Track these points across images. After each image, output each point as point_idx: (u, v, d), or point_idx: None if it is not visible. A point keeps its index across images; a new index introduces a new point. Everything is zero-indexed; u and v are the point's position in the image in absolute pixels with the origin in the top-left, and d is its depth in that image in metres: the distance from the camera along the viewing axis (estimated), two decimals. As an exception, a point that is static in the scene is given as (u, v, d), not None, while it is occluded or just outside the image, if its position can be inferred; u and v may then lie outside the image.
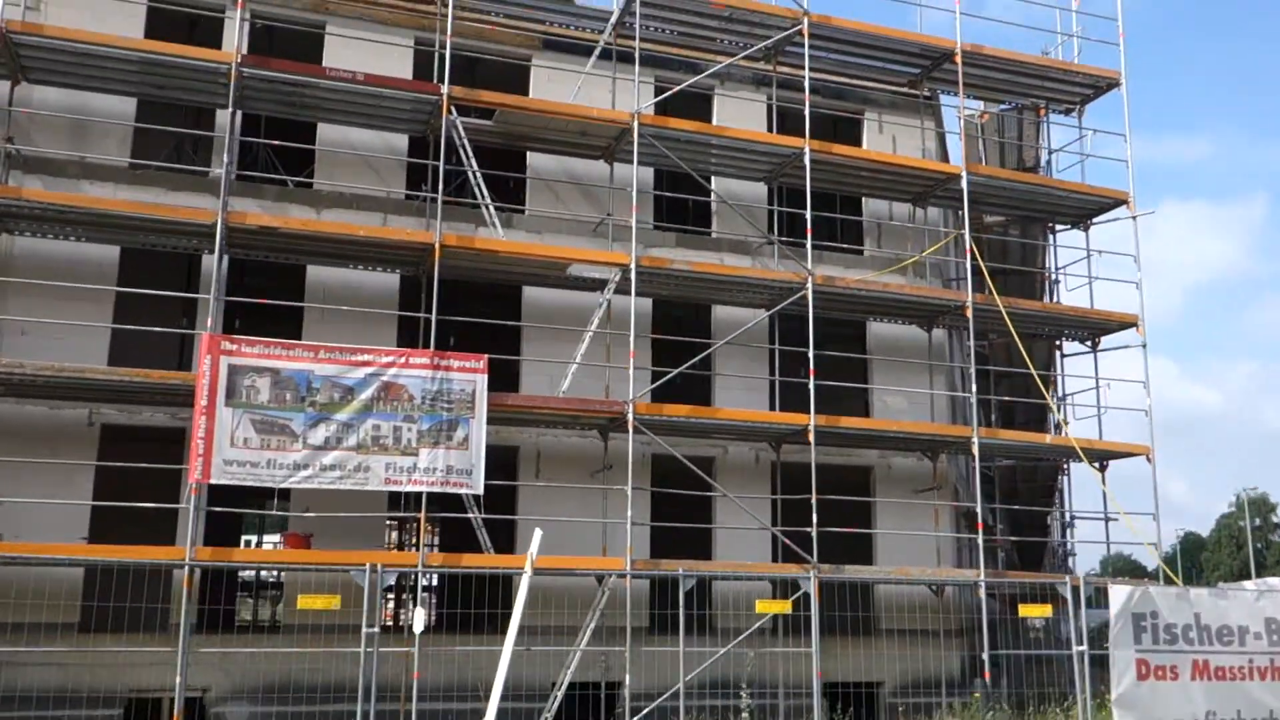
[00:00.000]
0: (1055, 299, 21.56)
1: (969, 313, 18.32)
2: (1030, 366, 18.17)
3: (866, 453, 19.63)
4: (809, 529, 17.14)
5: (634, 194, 16.97)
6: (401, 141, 17.87)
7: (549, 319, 17.89)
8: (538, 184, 18.72)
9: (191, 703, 14.57)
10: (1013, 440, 18.64)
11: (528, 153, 18.69)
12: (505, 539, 17.88)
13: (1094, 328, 20.08)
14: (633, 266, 16.60)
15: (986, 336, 20.87)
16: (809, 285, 17.48)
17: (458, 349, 16.09)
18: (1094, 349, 20.45)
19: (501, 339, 18.34)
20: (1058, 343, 21.12)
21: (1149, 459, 19.17)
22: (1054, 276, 21.29)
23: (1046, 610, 12.27)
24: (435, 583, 19.67)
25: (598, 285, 17.04)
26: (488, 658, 15.45)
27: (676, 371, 16.74)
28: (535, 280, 17.75)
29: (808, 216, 17.73)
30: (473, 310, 17.80)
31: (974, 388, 18.14)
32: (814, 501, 16.87)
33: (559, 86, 18.35)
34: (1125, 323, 19.70)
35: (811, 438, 17.07)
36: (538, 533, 12.43)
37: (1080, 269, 20.56)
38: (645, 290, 17.72)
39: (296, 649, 15.00)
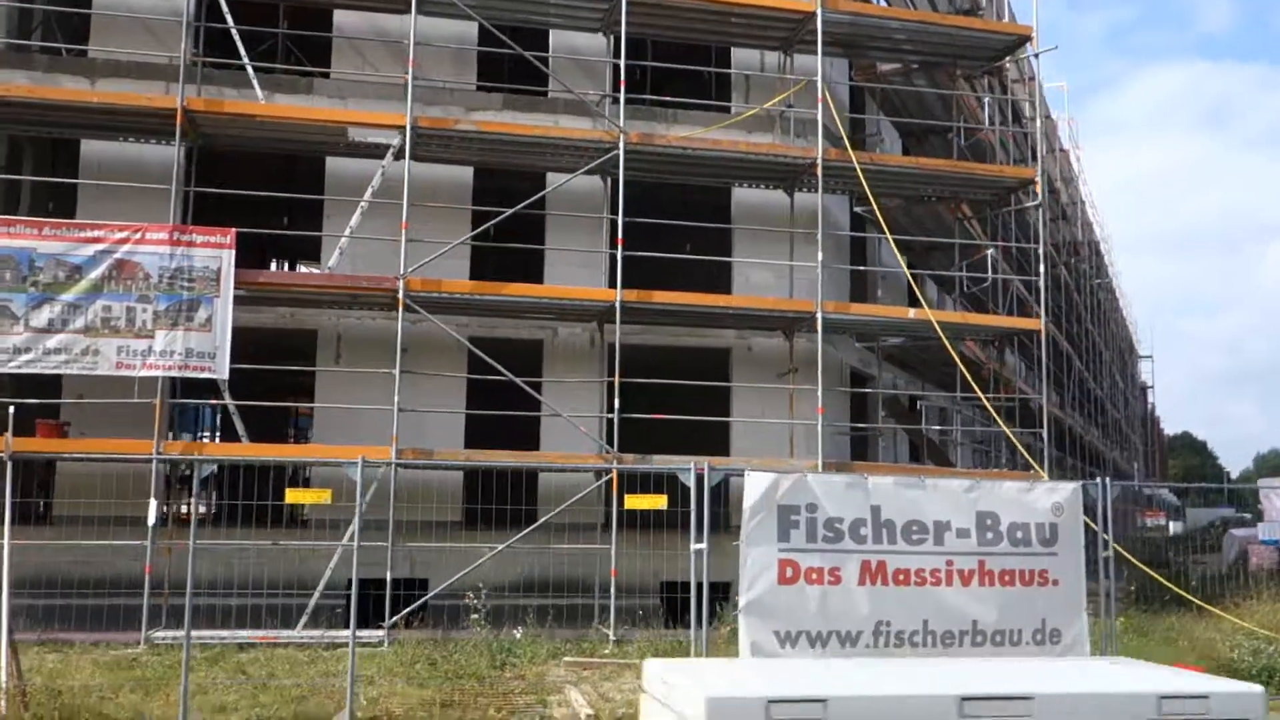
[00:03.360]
0: (967, 156, 19.02)
1: (819, 171, 16.12)
2: (886, 232, 15.91)
3: (724, 333, 17.80)
4: (648, 416, 15.73)
5: (411, 47, 15.27)
6: (182, 2, 16.46)
7: (357, 192, 16.46)
8: (343, 46, 17.13)
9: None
10: (866, 315, 16.50)
11: (334, 11, 17.09)
12: (279, 426, 16.96)
13: (988, 185, 17.56)
14: (408, 128, 14.99)
15: (874, 199, 18.49)
16: (620, 144, 15.56)
17: (251, 227, 14.97)
18: (994, 210, 17.94)
19: (311, 214, 17.12)
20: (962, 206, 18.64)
21: (1041, 335, 16.81)
22: (960, 130, 18.68)
23: (658, 502, 10.50)
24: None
25: (385, 152, 15.50)
26: (258, 553, 14.84)
27: (452, 245, 15.20)
28: (326, 150, 16.32)
29: (620, 66, 15.74)
30: (273, 185, 16.61)
31: (820, 256, 16.05)
32: (616, 384, 15.32)
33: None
34: (1022, 178, 17.14)
35: (617, 315, 15.40)
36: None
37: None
38: (440, 156, 16.18)
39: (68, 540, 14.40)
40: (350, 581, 15.19)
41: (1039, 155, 17.04)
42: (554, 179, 17.16)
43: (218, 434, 23.14)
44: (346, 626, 14.25)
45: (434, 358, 16.06)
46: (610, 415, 15.32)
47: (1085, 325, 40.98)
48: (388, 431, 15.24)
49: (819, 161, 16.13)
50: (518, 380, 15.04)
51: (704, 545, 8.85)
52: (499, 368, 15.18)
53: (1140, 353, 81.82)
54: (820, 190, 16.23)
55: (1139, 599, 17.70)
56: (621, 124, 15.63)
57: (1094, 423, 49.09)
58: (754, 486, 9.06)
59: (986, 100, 19.74)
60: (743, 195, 18.09)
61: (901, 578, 9.37)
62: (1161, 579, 14.66)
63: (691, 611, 8.96)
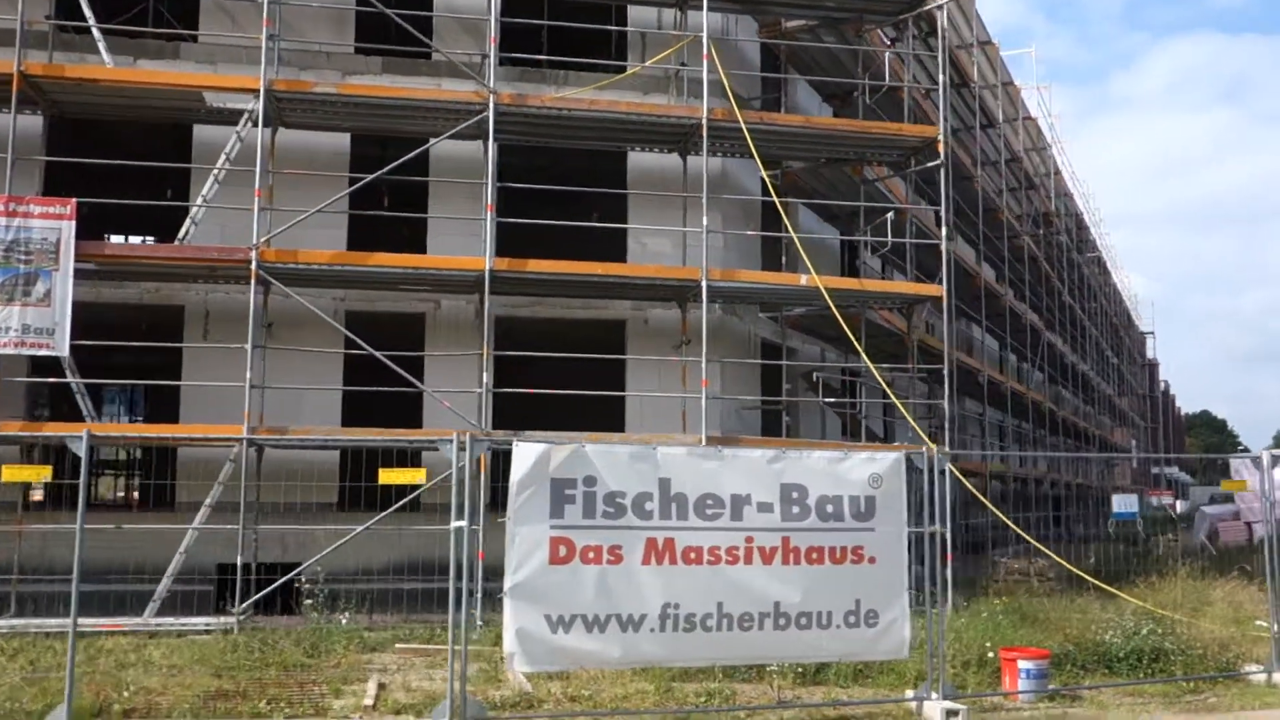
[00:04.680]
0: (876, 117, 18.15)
1: (704, 132, 15.32)
2: (774, 195, 15.10)
3: (619, 305, 17.04)
4: (530, 391, 15.07)
5: (266, 6, 14.52)
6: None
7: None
8: (213, 9, 16.42)
9: None
10: (755, 283, 15.70)
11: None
12: (169, 406, 16.34)
13: (891, 145, 16.71)
14: (262, 92, 14.27)
15: (780, 164, 17.71)
16: (490, 106, 14.80)
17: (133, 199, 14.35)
18: (901, 171, 17.10)
19: (177, 186, 16.46)
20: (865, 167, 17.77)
21: (943, 304, 15.99)
22: (865, 89, 17.79)
23: (416, 476, 9.76)
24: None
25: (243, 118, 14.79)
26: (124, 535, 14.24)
27: (308, 214, 14.47)
28: (191, 117, 15.63)
29: (492, 23, 14.97)
30: (158, 155, 15.98)
31: (704, 220, 15.28)
32: (484, 357, 14.59)
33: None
34: (925, 137, 16.29)
35: (486, 285, 14.68)
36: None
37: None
38: (309, 123, 15.49)
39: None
40: (216, 566, 14.92)
41: (944, 115, 16.09)
42: (438, 145, 16.45)
43: (128, 415, 22.64)
44: (201, 614, 14.03)
45: (310, 332, 15.42)
46: (479, 391, 14.58)
47: (1062, 298, 39.91)
48: (256, 410, 14.65)
49: (704, 122, 15.31)
50: (378, 354, 14.33)
51: (464, 523, 8.12)
52: (359, 341, 14.52)
53: (1142, 328, 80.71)
54: (705, 152, 15.44)
55: (1061, 577, 16.94)
56: (492, 84, 14.87)
57: (1081, 398, 48.08)
58: (522, 458, 8.35)
59: (909, 58, 18.81)
60: (640, 160, 17.31)
61: (693, 556, 8.66)
62: (1057, 557, 13.85)
63: (450, 598, 8.24)
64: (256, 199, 14.18)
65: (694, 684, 9.85)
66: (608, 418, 16.85)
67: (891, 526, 9.18)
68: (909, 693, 9.42)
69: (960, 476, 14.96)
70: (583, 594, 8.38)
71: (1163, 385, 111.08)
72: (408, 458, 13.28)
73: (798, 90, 20.70)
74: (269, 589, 13.70)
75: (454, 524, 8.18)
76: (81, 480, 8.11)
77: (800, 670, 10.05)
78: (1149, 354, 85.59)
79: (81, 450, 8.26)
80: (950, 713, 8.90)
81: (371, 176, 14.72)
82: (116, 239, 22.31)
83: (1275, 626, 10.77)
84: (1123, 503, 13.34)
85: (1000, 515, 13.81)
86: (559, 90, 16.25)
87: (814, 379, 16.44)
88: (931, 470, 9.34)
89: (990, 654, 10.31)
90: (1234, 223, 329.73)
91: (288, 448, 14.82)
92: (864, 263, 22.92)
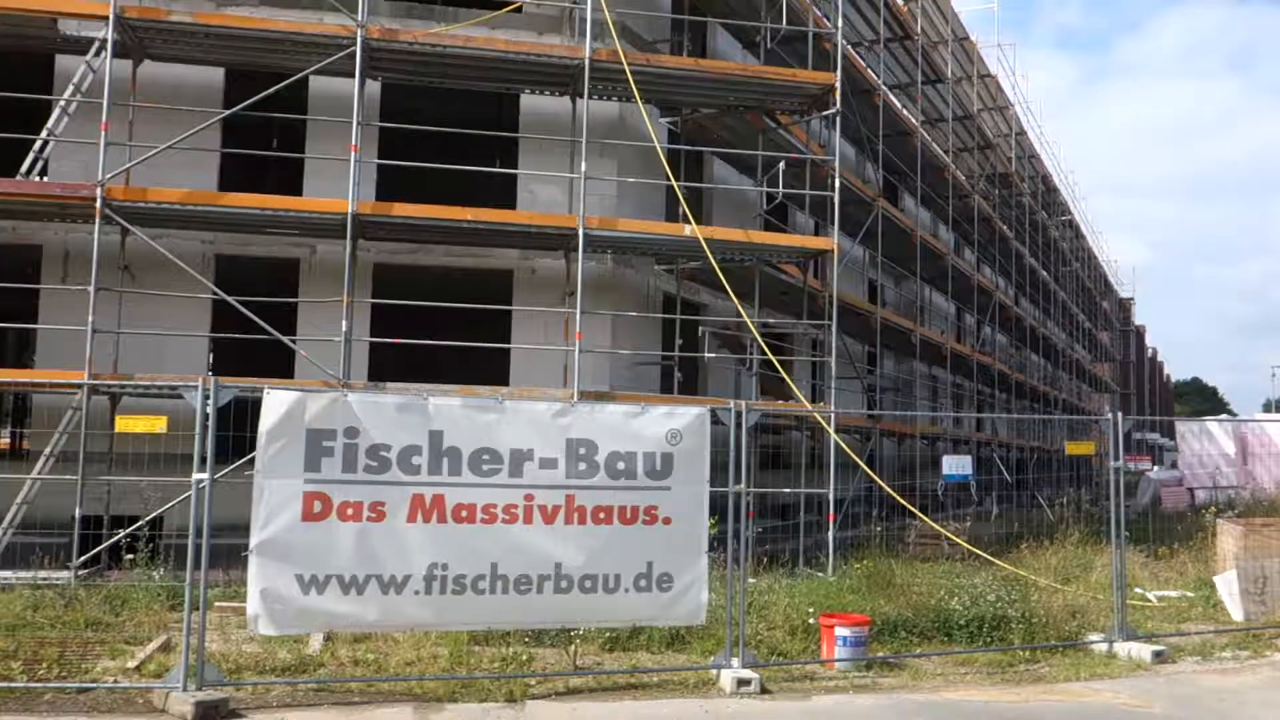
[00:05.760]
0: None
1: (586, 74, 14.64)
2: (654, 140, 14.44)
3: (507, 254, 16.43)
4: (397, 341, 14.54)
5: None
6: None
7: (92, 92, 15.04)
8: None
9: None
10: (635, 232, 15.06)
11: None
12: (24, 348, 15.78)
13: (788, 92, 16.01)
14: (111, 18, 13.56)
15: (678, 110, 17.03)
16: (358, 40, 14.10)
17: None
18: (804, 118, 16.43)
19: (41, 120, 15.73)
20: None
21: (834, 254, 15.39)
22: (766, 32, 17.03)
23: (156, 424, 9.20)
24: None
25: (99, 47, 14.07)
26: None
27: (160, 149, 13.80)
28: (51, 46, 14.91)
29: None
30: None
31: (583, 166, 14.63)
32: (347, 305, 14.03)
33: None
34: (822, 84, 15.59)
35: (349, 229, 14.07)
36: None
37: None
38: (175, 55, 14.83)
39: None
40: (74, 519, 14.39)
41: (838, 60, 15.38)
42: (316, 83, 15.77)
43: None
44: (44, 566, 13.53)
45: (176, 276, 14.79)
46: (338, 339, 14.00)
47: (1024, 261, 39.23)
48: (110, 356, 14.11)
49: (586, 61, 14.62)
50: (232, 299, 13.75)
51: (207, 475, 7.58)
52: (215, 288, 13.92)
53: (1122, 294, 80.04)
54: (586, 94, 14.78)
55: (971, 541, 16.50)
56: (363, 18, 14.14)
57: (1047, 363, 47.55)
58: (273, 407, 7.80)
59: (836, 5, 17.94)
60: (535, 104, 16.60)
61: (465, 514, 8.13)
62: (930, 520, 13.37)
63: (189, 555, 7.72)
64: (103, 133, 13.51)
65: (497, 648, 9.40)
66: (494, 372, 16.30)
67: (690, 486, 8.64)
68: (712, 659, 8.95)
69: (835, 435, 14.48)
70: (340, 553, 7.86)
71: (1150, 352, 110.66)
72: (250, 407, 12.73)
73: (717, 37, 19.96)
74: (107, 544, 13.18)
75: (195, 476, 7.63)
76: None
77: (613, 635, 9.59)
78: (1135, 320, 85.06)
79: None
80: (741, 681, 8.43)
81: (228, 112, 14.10)
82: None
83: (1117, 594, 10.29)
84: (954, 464, 12.73)
85: (874, 476, 13.29)
86: (448, 27, 15.52)
87: (699, 334, 15.87)
88: (740, 427, 8.78)
89: (812, 620, 9.84)
90: (1238, 191, 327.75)
91: (143, 395, 14.26)
92: (792, 217, 22.27)
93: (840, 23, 16.04)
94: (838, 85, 15.54)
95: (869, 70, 21.95)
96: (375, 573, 7.92)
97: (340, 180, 15.58)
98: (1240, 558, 12.01)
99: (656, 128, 17.25)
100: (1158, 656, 9.92)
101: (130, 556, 12.03)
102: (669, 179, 14.30)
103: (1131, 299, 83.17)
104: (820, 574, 14.20)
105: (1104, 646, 10.22)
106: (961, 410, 34.90)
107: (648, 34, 17.47)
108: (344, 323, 13.98)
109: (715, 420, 8.81)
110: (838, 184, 15.95)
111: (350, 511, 7.89)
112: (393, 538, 7.96)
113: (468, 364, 16.37)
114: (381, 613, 7.97)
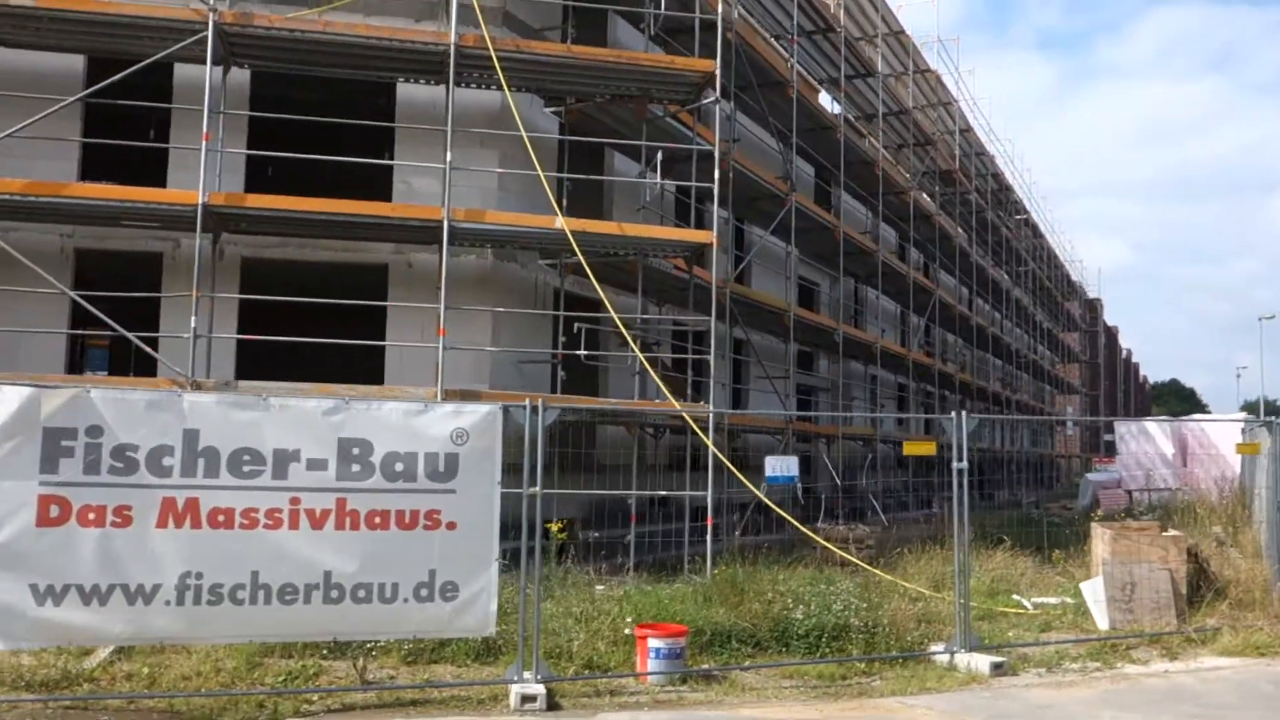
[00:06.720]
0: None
1: (451, 60, 14.10)
2: (520, 128, 13.89)
3: (380, 247, 15.88)
4: (256, 338, 13.96)
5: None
6: None
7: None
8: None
9: None
10: (502, 225, 14.51)
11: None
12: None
13: (668, 81, 15.50)
14: (-57, 1, 12.94)
15: (562, 100, 16.50)
16: (210, 24, 13.52)
17: None
18: (686, 107, 15.94)
19: None
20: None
21: (713, 248, 14.90)
22: (652, 18, 16.52)
23: None
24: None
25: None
26: None
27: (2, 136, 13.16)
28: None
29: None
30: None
31: (449, 156, 14.08)
32: (195, 300, 13.39)
33: None
34: (703, 72, 15.08)
35: (198, 223, 13.43)
36: None
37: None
38: (21, 40, 14.26)
39: None
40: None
41: (719, 46, 14.86)
42: (182, 71, 15.21)
43: None
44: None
45: (33, 272, 14.17)
46: (187, 336, 13.39)
47: (971, 260, 38.86)
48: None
49: (452, 47, 14.08)
50: (74, 294, 13.16)
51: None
52: (56, 282, 13.30)
53: (1089, 295, 79.88)
54: (450, 81, 14.23)
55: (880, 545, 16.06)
56: (213, 1, 13.56)
57: (1001, 363, 47.25)
58: (4, 404, 7.21)
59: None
60: (412, 93, 16.05)
61: (222, 519, 7.57)
62: (795, 522, 12.88)
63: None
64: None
65: (298, 660, 8.85)
66: (370, 370, 15.74)
67: (478, 489, 8.11)
68: (508, 673, 8.41)
69: (703, 435, 13.95)
70: (80, 561, 7.29)
71: (1124, 353, 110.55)
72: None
73: (618, 28, 19.43)
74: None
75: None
76: None
77: (418, 646, 9.04)
78: (1105, 321, 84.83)
79: None
80: (526, 697, 7.90)
81: (74, 98, 13.48)
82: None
83: (960, 602, 9.80)
84: (778, 465, 12.22)
85: (740, 476, 12.78)
86: (319, 15, 14.94)
87: (574, 329, 15.32)
88: (535, 423, 8.25)
89: (627, 631, 9.31)
90: (1218, 192, 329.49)
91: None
92: (706, 212, 21.74)
93: (736, 12, 15.53)
94: (718, 73, 15.03)
95: (783, 63, 21.43)
96: (120, 582, 7.36)
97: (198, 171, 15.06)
98: (1109, 563, 11.55)
99: (539, 117, 16.75)
100: (997, 669, 9.43)
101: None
102: (540, 171, 13.72)
103: (1099, 299, 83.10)
104: (699, 578, 13.70)
105: (945, 658, 9.72)
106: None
107: (535, 21, 16.95)
108: (193, 318, 13.36)
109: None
110: (716, 175, 15.43)
111: (92, 516, 7.33)
112: (141, 544, 7.40)
113: (345, 363, 15.83)
114: (128, 625, 7.41)
